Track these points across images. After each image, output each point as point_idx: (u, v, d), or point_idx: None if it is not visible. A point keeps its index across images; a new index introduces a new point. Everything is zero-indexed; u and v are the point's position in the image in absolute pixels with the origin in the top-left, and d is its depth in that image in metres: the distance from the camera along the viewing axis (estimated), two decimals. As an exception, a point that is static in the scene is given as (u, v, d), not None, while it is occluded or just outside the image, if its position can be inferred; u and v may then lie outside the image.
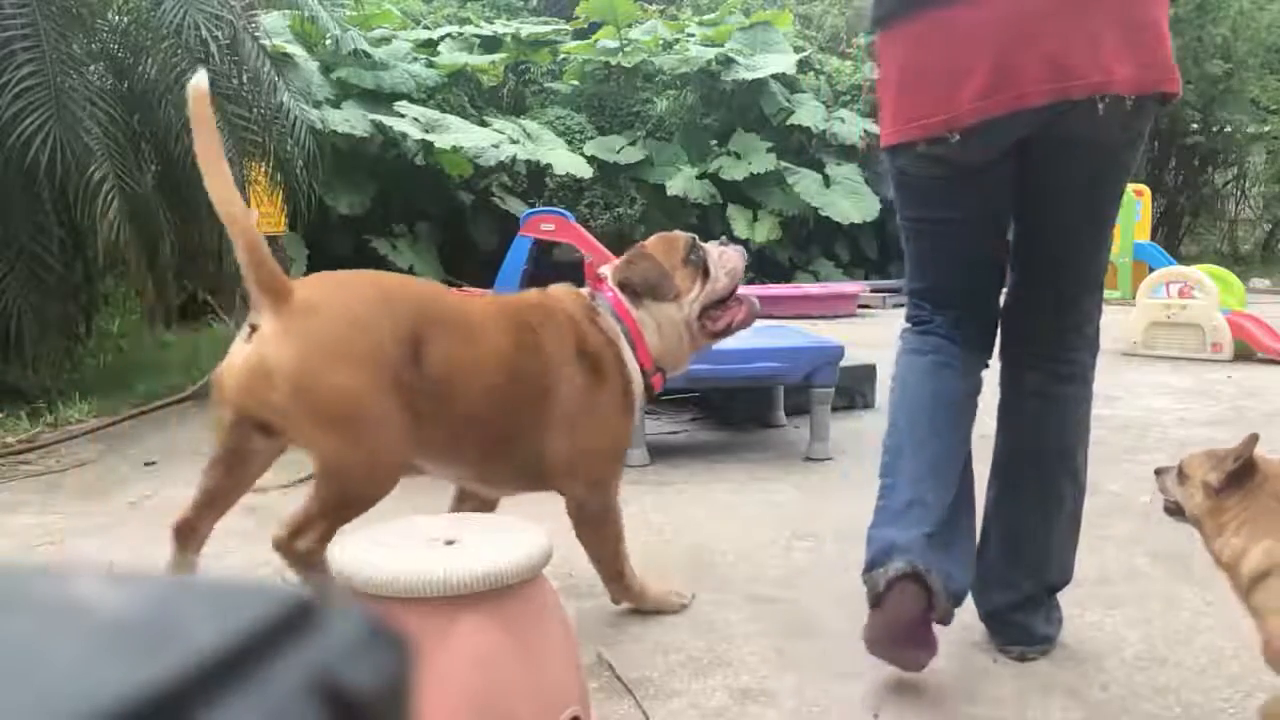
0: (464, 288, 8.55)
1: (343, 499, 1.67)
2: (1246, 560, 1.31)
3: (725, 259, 2.07)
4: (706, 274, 2.03)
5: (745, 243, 2.17)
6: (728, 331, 2.08)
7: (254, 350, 1.59)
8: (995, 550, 1.81)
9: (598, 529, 1.94)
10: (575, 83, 11.32)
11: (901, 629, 1.62)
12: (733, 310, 2.06)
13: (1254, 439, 1.38)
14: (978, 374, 1.84)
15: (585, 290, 2.03)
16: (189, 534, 1.81)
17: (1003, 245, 1.83)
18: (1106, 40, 1.55)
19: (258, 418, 1.65)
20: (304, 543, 1.65)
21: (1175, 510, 1.49)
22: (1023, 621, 1.79)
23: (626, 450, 2.10)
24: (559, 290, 2.01)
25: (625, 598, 2.02)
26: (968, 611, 1.99)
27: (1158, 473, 1.55)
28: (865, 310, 8.82)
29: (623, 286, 2.00)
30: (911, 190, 1.79)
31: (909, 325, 1.90)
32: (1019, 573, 1.79)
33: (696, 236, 2.11)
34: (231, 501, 1.84)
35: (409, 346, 1.67)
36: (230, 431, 1.71)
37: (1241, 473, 1.37)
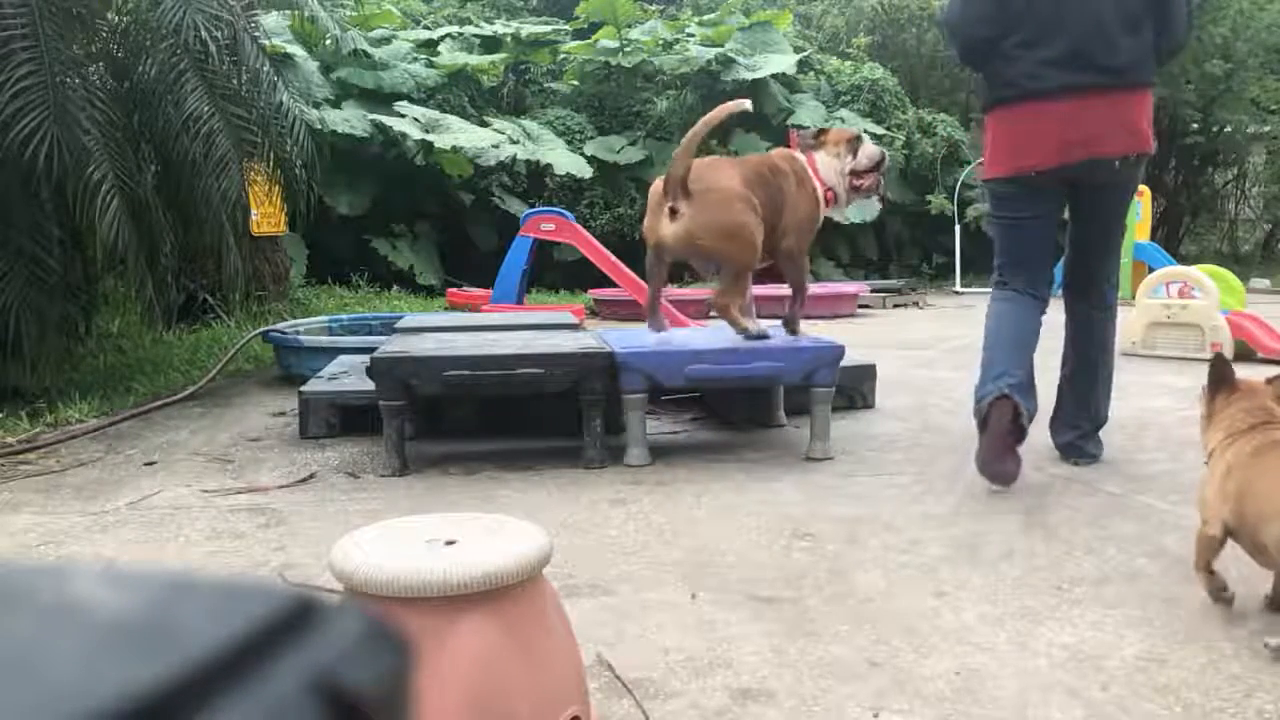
0: (464, 287, 8.58)
1: (740, 273, 3.25)
2: (1208, 444, 2.04)
3: (867, 150, 3.49)
4: (856, 154, 3.47)
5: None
6: (862, 189, 3.50)
7: (683, 225, 3.14)
8: (1068, 405, 3.18)
9: (798, 262, 3.46)
10: (575, 83, 11.32)
11: (999, 442, 2.78)
12: (868, 179, 3.49)
13: (1219, 355, 2.10)
14: (1039, 314, 3.08)
15: (785, 152, 3.57)
16: (656, 313, 3.49)
17: (1053, 238, 3.10)
18: (1116, 130, 2.85)
19: (684, 258, 3.35)
20: (726, 299, 3.27)
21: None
22: (1082, 446, 3.15)
23: (814, 227, 3.51)
24: (781, 151, 3.60)
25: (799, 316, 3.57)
26: (969, 613, 2.00)
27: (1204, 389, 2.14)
28: (865, 310, 8.82)
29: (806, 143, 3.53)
30: (1003, 201, 3.07)
31: (996, 286, 3.13)
32: (1082, 416, 3.16)
33: (862, 133, 3.62)
34: (664, 287, 3.57)
35: (754, 190, 3.24)
36: (662, 264, 3.36)
37: (1218, 381, 2.05)
